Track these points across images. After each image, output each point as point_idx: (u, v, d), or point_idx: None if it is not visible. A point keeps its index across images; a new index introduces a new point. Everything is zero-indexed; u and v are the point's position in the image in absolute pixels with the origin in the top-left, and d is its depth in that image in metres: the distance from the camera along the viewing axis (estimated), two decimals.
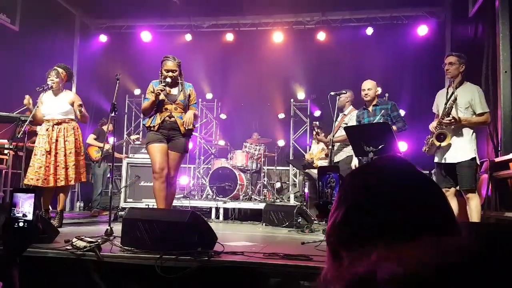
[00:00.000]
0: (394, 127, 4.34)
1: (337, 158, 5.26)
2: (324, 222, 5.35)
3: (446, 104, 4.03)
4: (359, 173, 0.86)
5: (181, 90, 4.28)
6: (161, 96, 4.17)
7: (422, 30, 8.02)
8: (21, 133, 4.82)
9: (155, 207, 4.37)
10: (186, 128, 4.16)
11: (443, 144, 3.99)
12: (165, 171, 4.10)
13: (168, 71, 4.21)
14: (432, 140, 4.07)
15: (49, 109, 4.73)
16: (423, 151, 4.26)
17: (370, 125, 4.36)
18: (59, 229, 3.72)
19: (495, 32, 5.21)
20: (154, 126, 4.15)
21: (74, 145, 4.74)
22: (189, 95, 4.32)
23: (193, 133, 4.40)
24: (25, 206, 1.84)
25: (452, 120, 3.93)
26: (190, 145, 4.80)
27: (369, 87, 4.76)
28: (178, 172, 4.39)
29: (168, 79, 4.18)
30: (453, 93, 4.02)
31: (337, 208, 0.80)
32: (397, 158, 0.86)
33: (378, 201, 0.74)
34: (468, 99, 4.01)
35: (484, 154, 5.42)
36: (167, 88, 4.22)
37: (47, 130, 4.66)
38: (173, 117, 4.17)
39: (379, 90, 4.92)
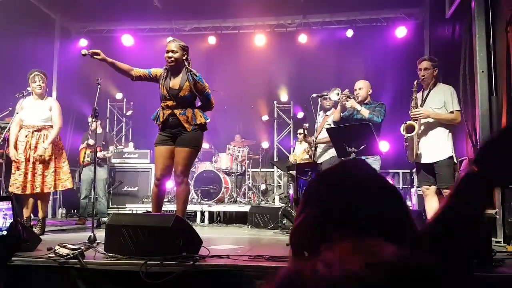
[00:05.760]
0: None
1: (321, 159, 5.30)
2: None
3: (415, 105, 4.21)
4: (323, 177, 0.88)
5: (185, 80, 3.82)
6: (163, 91, 3.83)
7: (401, 31, 8.12)
8: (0, 139, 4.73)
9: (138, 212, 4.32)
10: (193, 124, 3.82)
11: (411, 134, 4.14)
12: (167, 177, 3.95)
13: (167, 51, 3.79)
14: (405, 136, 4.21)
15: (29, 115, 4.65)
16: (408, 159, 4.39)
17: (350, 126, 4.41)
18: (41, 236, 3.68)
19: (472, 33, 5.32)
20: (159, 125, 3.90)
21: (53, 152, 4.67)
22: (193, 86, 3.82)
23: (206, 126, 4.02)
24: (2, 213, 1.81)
25: (420, 112, 4.09)
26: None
27: (360, 86, 4.76)
28: (189, 168, 3.99)
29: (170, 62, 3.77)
30: (427, 94, 4.19)
31: (302, 211, 0.82)
32: (359, 162, 0.88)
33: (338, 204, 0.77)
34: (441, 99, 4.16)
35: (463, 152, 5.53)
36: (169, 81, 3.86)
37: (26, 136, 4.58)
38: (175, 115, 3.81)
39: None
